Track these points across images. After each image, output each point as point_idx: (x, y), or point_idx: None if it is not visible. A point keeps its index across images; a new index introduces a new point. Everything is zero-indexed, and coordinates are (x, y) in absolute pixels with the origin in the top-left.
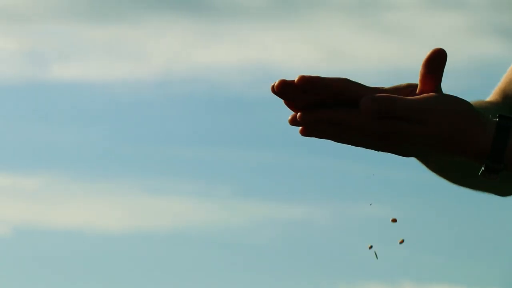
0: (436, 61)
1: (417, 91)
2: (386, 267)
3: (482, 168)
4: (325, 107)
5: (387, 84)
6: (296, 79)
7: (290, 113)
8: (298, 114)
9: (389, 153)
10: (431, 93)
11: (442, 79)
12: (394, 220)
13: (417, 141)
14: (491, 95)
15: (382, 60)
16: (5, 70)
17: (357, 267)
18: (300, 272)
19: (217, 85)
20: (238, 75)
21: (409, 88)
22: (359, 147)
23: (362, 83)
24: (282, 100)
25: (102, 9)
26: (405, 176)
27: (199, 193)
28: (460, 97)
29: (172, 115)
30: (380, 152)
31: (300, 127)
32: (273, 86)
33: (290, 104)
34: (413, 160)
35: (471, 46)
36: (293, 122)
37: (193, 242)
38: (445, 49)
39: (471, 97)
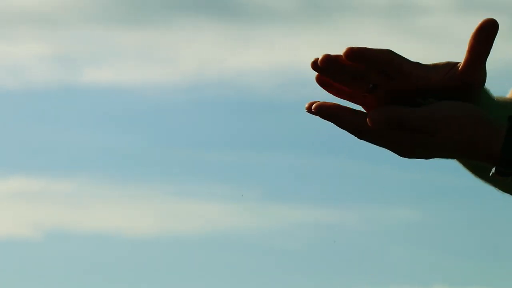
0: (486, 32)
1: (462, 64)
2: (417, 269)
3: (493, 171)
4: (361, 81)
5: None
6: (344, 51)
7: (318, 117)
8: (316, 106)
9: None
10: (442, 102)
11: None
12: None
13: (430, 150)
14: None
15: None
16: (38, 75)
17: (389, 270)
18: (331, 276)
19: (248, 90)
20: (269, 80)
21: (448, 67)
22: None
23: None
24: (316, 76)
25: (134, 13)
26: (436, 178)
27: (230, 196)
28: (468, 103)
29: (203, 120)
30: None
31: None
32: (315, 62)
33: (324, 81)
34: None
35: (505, 50)
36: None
37: (223, 246)
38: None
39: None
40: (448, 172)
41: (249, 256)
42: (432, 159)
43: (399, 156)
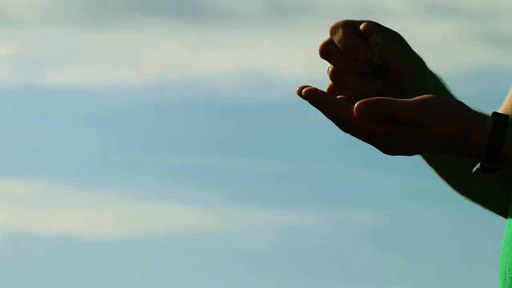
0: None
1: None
2: (382, 272)
3: (477, 167)
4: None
5: None
6: (363, 24)
7: (284, 122)
8: (307, 90)
9: (388, 154)
10: (426, 96)
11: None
12: None
13: (414, 145)
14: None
15: None
16: None
17: (353, 273)
18: (294, 278)
19: (212, 92)
20: (233, 82)
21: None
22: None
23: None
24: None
25: (98, 15)
26: (401, 182)
27: (193, 199)
28: (452, 98)
29: (167, 122)
30: (380, 151)
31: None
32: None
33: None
34: (408, 167)
35: (465, 53)
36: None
37: (186, 248)
38: (440, 56)
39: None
40: (414, 176)
41: (212, 258)
42: (416, 155)
43: (365, 160)
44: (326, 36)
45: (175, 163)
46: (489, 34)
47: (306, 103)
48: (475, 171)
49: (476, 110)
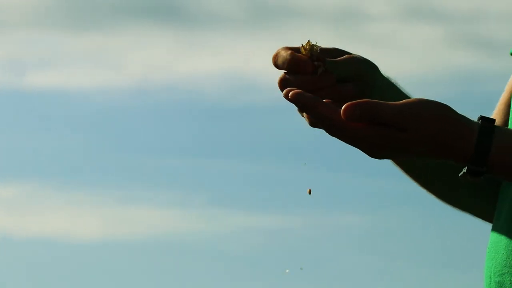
0: None
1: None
2: (363, 275)
3: (464, 171)
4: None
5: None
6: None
7: (267, 124)
8: (294, 93)
9: (370, 157)
10: (413, 99)
11: (421, 89)
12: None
13: (399, 147)
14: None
15: None
16: None
17: (335, 276)
18: (277, 280)
19: (195, 95)
20: (216, 85)
21: (337, 52)
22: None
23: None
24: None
25: (81, 18)
26: (383, 185)
27: (176, 202)
28: (441, 102)
29: (150, 124)
30: (364, 153)
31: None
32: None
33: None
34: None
35: (448, 56)
36: (282, 85)
37: (169, 251)
38: (423, 59)
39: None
40: (396, 179)
41: (195, 261)
42: (402, 159)
43: (345, 162)
44: (308, 39)
45: (158, 166)
46: (472, 37)
47: (290, 105)
48: (462, 175)
49: (462, 115)
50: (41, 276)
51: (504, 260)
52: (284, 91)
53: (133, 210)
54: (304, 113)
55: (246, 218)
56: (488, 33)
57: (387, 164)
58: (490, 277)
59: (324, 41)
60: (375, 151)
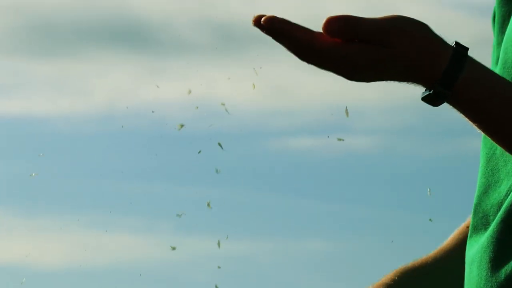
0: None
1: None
2: None
3: (429, 92)
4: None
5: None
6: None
7: (233, 151)
8: (267, 18)
9: (351, 82)
10: (393, 15)
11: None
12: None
13: (379, 66)
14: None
15: (326, 97)
16: None
17: None
18: None
19: (161, 121)
20: (182, 111)
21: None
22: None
23: (304, 121)
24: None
25: (44, 43)
26: (348, 210)
27: (141, 228)
28: (419, 20)
29: (115, 151)
30: (342, 77)
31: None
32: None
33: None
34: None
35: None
36: (257, 24)
37: (134, 278)
38: (391, 85)
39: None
40: (361, 203)
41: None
42: (380, 81)
43: (314, 188)
44: (275, 66)
45: (123, 192)
46: None
47: (257, 131)
48: (424, 97)
49: (439, 36)
50: None
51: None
52: (253, 18)
53: (98, 236)
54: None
55: (211, 244)
56: None
57: (353, 189)
58: None
59: (290, 67)
60: (354, 71)
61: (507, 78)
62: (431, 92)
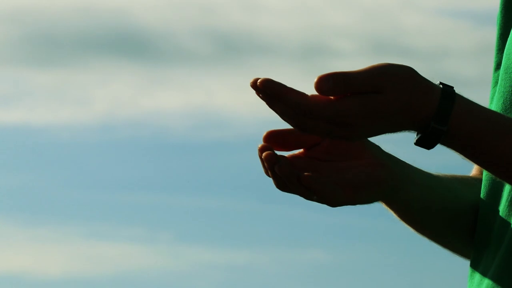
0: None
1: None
2: None
3: (420, 135)
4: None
5: None
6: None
7: (234, 161)
8: (263, 80)
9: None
10: (379, 63)
11: None
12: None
13: (375, 118)
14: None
15: None
16: None
17: None
18: None
19: (161, 130)
20: (182, 120)
21: None
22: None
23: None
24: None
25: (46, 54)
26: (350, 221)
27: (141, 238)
28: (404, 64)
29: (115, 161)
30: (337, 138)
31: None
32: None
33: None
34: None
35: None
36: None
37: (134, 287)
38: None
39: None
40: (363, 215)
41: None
42: (375, 136)
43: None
44: (274, 75)
45: (123, 202)
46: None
47: (256, 141)
48: (419, 138)
49: (424, 77)
50: None
51: None
52: (251, 81)
53: (98, 246)
54: (270, 172)
55: (212, 254)
56: (454, 70)
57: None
58: None
59: (290, 77)
60: (350, 133)
61: (509, 83)
62: (426, 131)
